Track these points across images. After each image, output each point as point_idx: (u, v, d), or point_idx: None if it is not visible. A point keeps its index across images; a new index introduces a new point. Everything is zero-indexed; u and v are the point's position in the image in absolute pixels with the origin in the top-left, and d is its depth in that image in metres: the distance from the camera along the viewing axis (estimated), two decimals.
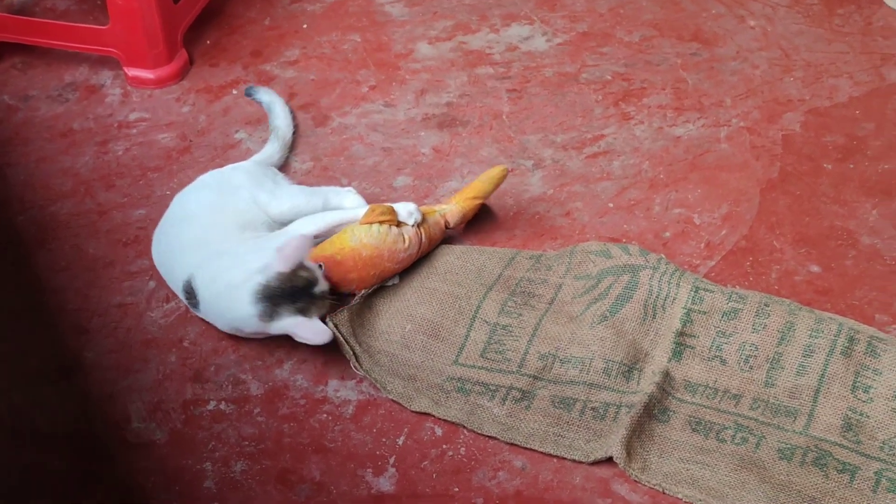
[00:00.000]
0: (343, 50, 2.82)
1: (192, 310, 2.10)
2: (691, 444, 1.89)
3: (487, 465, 1.89)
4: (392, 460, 1.90)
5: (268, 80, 2.71)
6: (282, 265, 1.95)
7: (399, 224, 2.12)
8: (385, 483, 1.87)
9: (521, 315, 2.09)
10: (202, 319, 2.12)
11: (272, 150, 2.42)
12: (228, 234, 2.10)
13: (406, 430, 1.94)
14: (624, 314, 2.06)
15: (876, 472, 1.82)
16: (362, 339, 2.06)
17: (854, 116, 2.55)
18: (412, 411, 1.96)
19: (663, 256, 2.14)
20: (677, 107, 2.61)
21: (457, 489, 1.85)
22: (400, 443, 1.93)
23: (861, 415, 1.89)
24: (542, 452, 1.90)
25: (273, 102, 2.52)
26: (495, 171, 2.26)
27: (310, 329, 1.96)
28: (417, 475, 1.88)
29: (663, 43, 2.80)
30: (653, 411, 1.93)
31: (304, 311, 1.96)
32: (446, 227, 2.22)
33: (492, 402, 1.97)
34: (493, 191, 2.26)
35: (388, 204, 2.12)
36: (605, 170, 2.44)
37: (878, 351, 1.93)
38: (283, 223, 2.18)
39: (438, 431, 1.94)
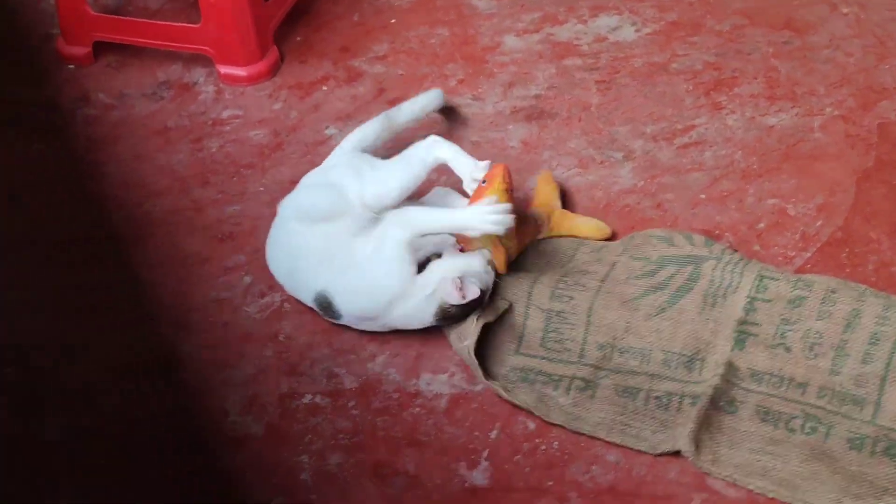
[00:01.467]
0: (431, 44, 2.83)
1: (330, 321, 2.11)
2: (761, 434, 1.88)
3: (581, 460, 1.89)
4: (485, 454, 1.91)
5: (357, 76, 2.73)
6: (456, 299, 1.99)
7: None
8: (479, 477, 1.88)
9: (572, 298, 2.07)
10: (297, 314, 2.15)
11: (371, 129, 2.30)
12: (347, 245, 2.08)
13: (498, 424, 1.95)
14: (682, 304, 2.03)
15: None
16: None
17: None
18: (505, 405, 1.97)
19: (727, 247, 2.10)
20: (769, 96, 2.57)
21: (550, 483, 1.86)
22: (493, 437, 1.93)
23: None
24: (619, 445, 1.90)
25: (428, 93, 2.50)
26: (601, 231, 2.26)
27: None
28: (511, 469, 1.88)
29: (754, 31, 2.76)
30: (719, 403, 1.92)
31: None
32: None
33: (556, 392, 1.98)
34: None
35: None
36: (696, 160, 2.42)
37: None
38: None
39: (531, 426, 1.94)
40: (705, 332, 2.01)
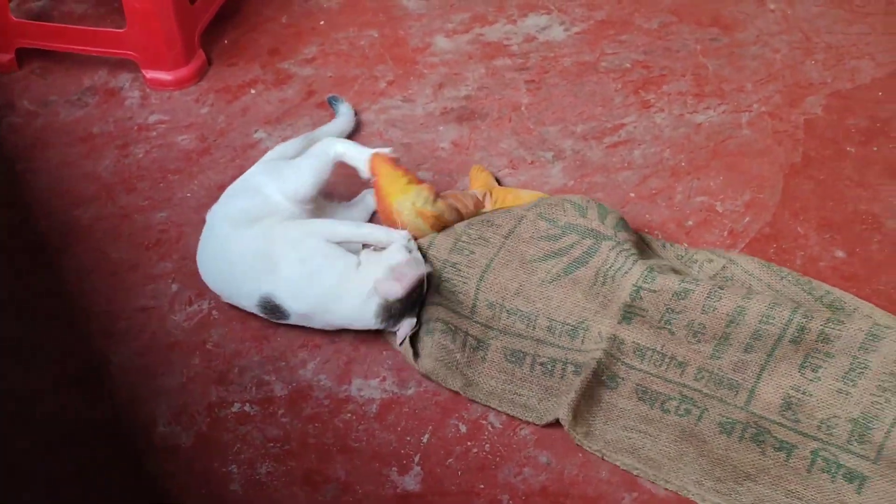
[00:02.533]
0: (360, 46, 2.82)
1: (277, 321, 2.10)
2: (636, 412, 1.92)
3: (512, 462, 1.88)
4: (417, 458, 1.90)
5: (286, 79, 2.71)
6: (398, 293, 1.99)
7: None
8: (410, 482, 1.87)
9: (472, 253, 2.09)
10: (225, 321, 2.12)
11: (289, 148, 2.32)
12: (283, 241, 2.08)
13: (430, 427, 1.94)
14: (576, 276, 2.05)
15: (812, 452, 1.83)
16: None
17: (877, 98, 2.52)
18: (436, 408, 1.96)
19: (633, 239, 2.10)
20: (698, 93, 2.58)
21: (482, 486, 1.85)
22: (424, 441, 1.92)
23: (804, 393, 1.87)
24: (524, 421, 1.93)
25: (342, 113, 2.54)
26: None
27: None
28: (443, 473, 1.88)
29: (682, 29, 2.77)
30: (602, 377, 1.95)
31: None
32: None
33: (454, 344, 2.01)
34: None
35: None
36: (625, 159, 2.43)
37: (832, 337, 1.89)
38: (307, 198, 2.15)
39: (463, 429, 1.94)
40: (593, 304, 2.02)
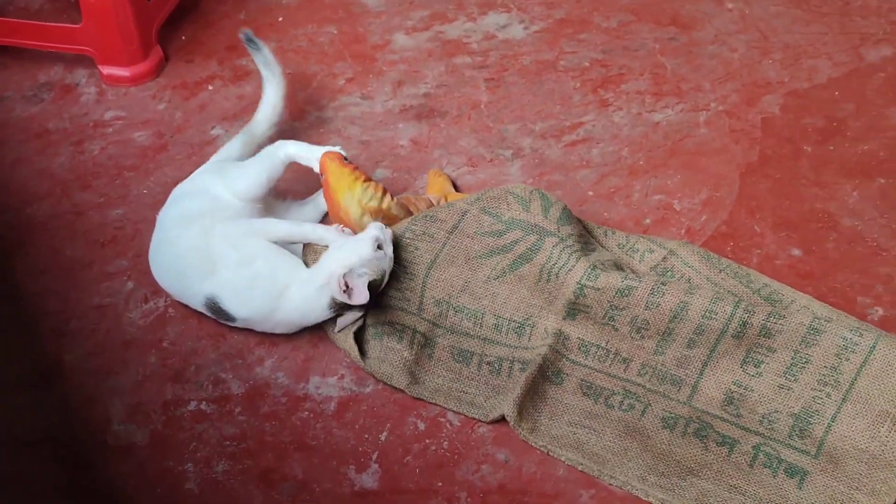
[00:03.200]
0: (319, 42, 2.80)
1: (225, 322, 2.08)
2: (581, 408, 1.93)
3: (471, 459, 1.88)
4: (375, 456, 1.89)
5: (244, 76, 2.69)
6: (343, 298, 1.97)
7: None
8: (368, 480, 1.86)
9: (417, 249, 2.08)
10: (181, 319, 2.11)
11: (233, 147, 2.30)
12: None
13: (389, 425, 1.94)
14: (521, 273, 2.05)
15: (754, 447, 1.84)
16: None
17: (833, 98, 2.54)
18: (394, 405, 1.96)
19: (577, 233, 2.10)
20: (656, 92, 2.59)
21: (440, 484, 1.85)
22: (382, 439, 1.92)
23: (746, 388, 1.89)
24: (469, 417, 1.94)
25: (269, 80, 2.37)
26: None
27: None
28: (400, 471, 1.87)
29: (641, 28, 2.78)
30: (547, 373, 1.96)
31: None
32: None
33: (401, 345, 2.01)
34: None
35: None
36: (584, 157, 2.43)
37: (774, 331, 1.90)
38: (255, 198, 2.14)
39: (421, 426, 1.93)
40: (539, 300, 2.03)
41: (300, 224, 2.13)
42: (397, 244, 2.08)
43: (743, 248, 2.19)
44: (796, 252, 2.18)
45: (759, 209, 2.28)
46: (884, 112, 2.49)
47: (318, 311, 2.01)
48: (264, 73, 2.36)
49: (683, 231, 2.23)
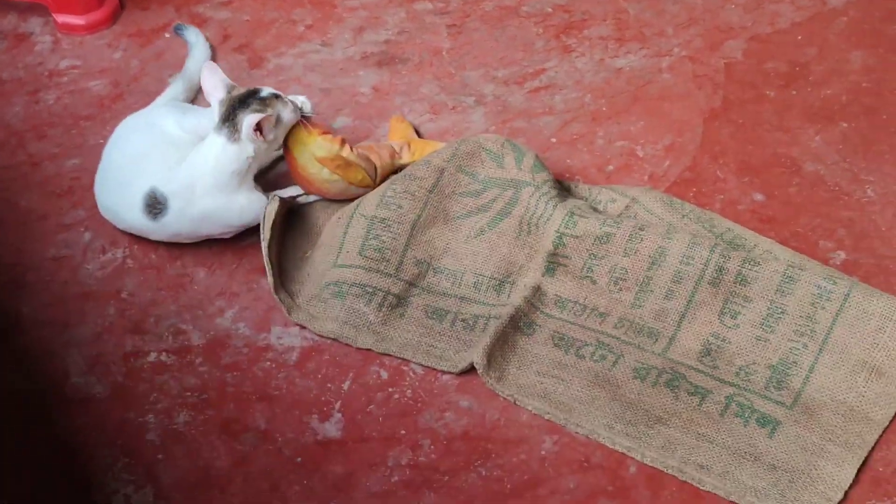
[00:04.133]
0: None
1: (152, 222, 2.05)
2: (550, 358, 1.92)
3: (434, 407, 1.87)
4: (338, 405, 1.88)
5: (200, 23, 2.64)
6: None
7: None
8: (331, 428, 1.85)
9: (400, 207, 2.06)
10: (140, 270, 2.08)
11: (175, 90, 2.35)
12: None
13: (351, 374, 1.92)
14: (501, 228, 2.04)
15: (727, 397, 1.84)
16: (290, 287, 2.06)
17: (796, 42, 2.53)
18: (357, 354, 1.94)
19: (551, 178, 2.09)
20: (619, 38, 2.57)
21: (403, 432, 1.84)
22: (345, 388, 1.91)
23: (723, 340, 1.89)
24: (418, 363, 1.93)
25: (196, 44, 2.48)
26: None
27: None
28: (364, 419, 1.86)
29: None
30: (518, 324, 1.95)
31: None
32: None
33: (368, 307, 1.98)
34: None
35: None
36: (547, 104, 2.41)
37: (749, 279, 1.90)
38: None
39: (384, 375, 1.92)
40: (520, 256, 2.02)
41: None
42: (378, 203, 2.06)
43: (706, 194, 2.19)
44: (759, 197, 2.18)
45: (722, 154, 2.27)
46: (846, 56, 2.48)
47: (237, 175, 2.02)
48: (192, 39, 2.51)
49: (647, 177, 2.22)
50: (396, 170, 2.17)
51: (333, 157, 2.07)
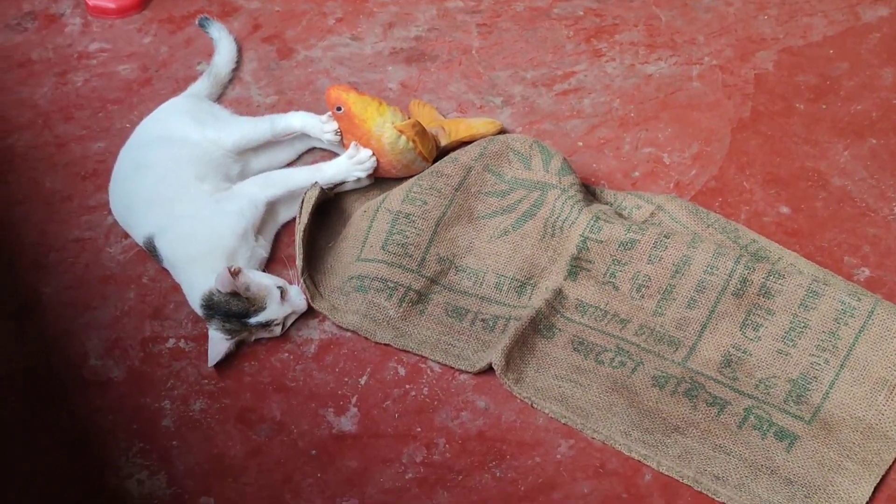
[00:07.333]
0: None
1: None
2: (569, 362, 1.91)
3: (450, 406, 1.87)
4: (354, 400, 1.88)
5: (231, 11, 2.64)
6: (219, 285, 1.90)
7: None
8: (346, 423, 1.84)
9: (425, 203, 2.05)
10: None
11: (203, 85, 2.36)
12: (187, 188, 2.04)
13: (369, 369, 1.92)
14: (525, 230, 2.04)
15: (745, 409, 1.83)
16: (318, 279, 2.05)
17: (828, 56, 2.52)
18: (375, 350, 1.94)
19: (578, 182, 2.08)
20: (650, 44, 2.56)
21: (419, 429, 1.83)
22: (362, 382, 1.90)
23: (744, 352, 1.88)
24: (437, 362, 1.92)
25: (221, 39, 2.47)
26: (494, 125, 2.27)
27: (212, 349, 1.91)
28: (379, 415, 1.86)
29: None
30: (538, 326, 1.94)
31: (231, 333, 1.91)
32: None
33: (389, 302, 1.98)
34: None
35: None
36: (575, 107, 2.40)
37: (773, 292, 1.89)
38: (240, 151, 2.16)
39: (402, 371, 1.91)
40: (543, 258, 2.02)
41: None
42: (405, 198, 2.05)
43: (731, 204, 2.18)
44: (785, 210, 2.16)
45: (749, 165, 2.26)
46: (878, 72, 2.47)
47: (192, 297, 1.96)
48: (215, 35, 2.48)
49: (672, 185, 2.21)
50: (440, 153, 2.20)
51: (414, 124, 2.09)
